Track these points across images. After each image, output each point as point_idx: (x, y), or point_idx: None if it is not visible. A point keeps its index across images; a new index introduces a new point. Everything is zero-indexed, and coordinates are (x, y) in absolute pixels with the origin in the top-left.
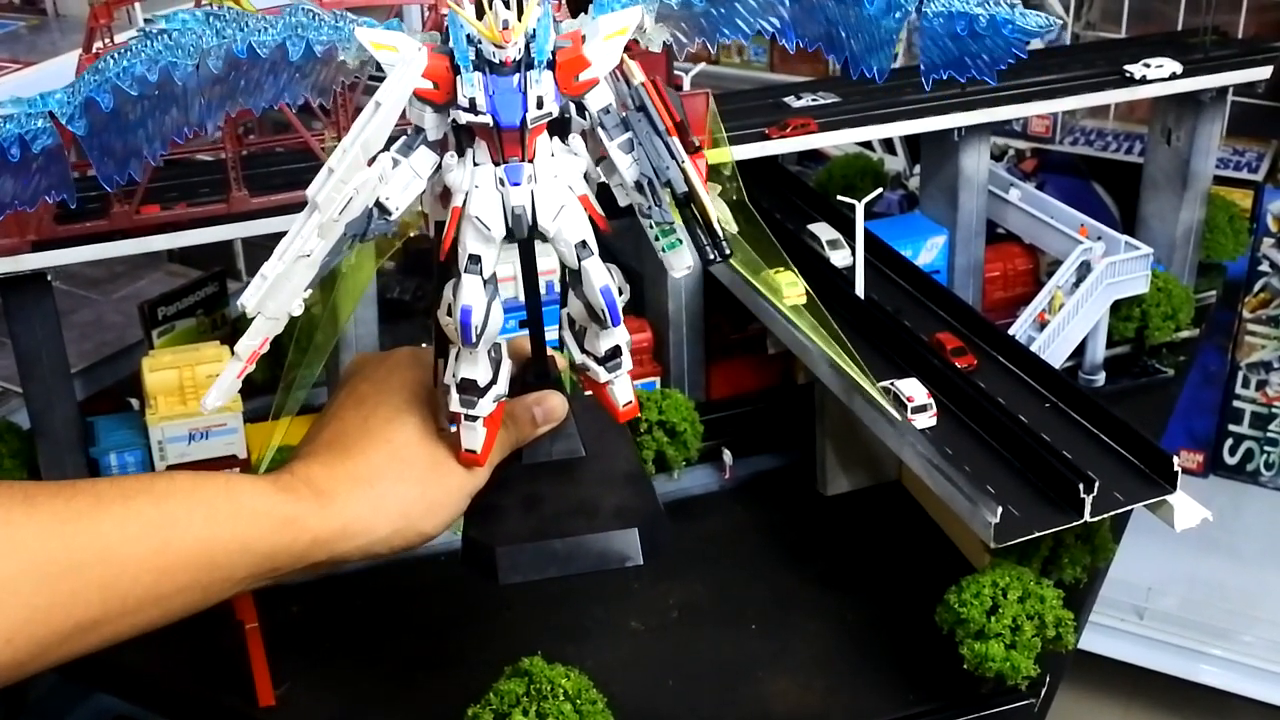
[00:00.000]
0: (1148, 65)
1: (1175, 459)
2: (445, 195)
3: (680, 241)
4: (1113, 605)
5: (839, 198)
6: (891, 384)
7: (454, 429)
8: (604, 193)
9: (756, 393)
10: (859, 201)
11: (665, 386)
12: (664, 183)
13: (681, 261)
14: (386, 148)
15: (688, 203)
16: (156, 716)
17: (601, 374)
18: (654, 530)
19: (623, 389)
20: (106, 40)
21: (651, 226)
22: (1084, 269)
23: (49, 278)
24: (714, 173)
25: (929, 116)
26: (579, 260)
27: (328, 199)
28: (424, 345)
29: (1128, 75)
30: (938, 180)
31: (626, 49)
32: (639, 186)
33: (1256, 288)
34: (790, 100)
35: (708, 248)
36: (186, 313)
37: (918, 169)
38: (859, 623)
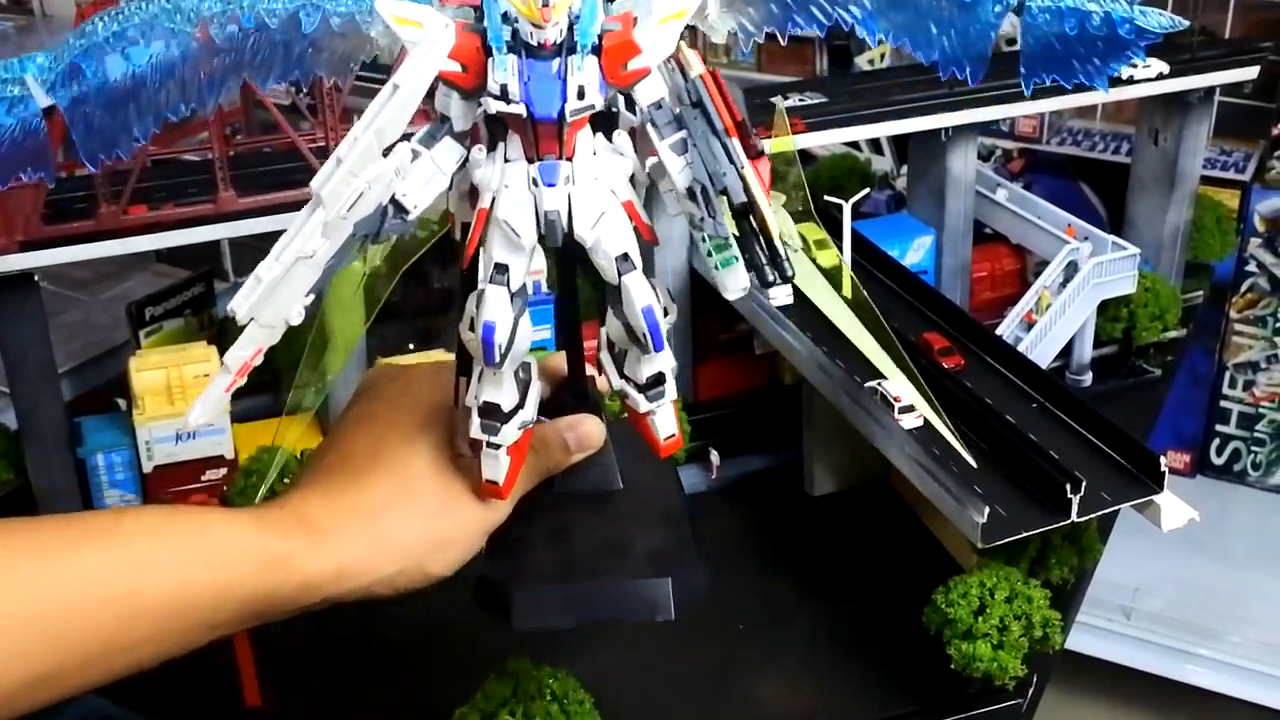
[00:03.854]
0: (1135, 65)
1: (1162, 459)
2: (473, 194)
3: (736, 258)
4: (1100, 605)
5: (826, 198)
6: (879, 384)
7: (470, 440)
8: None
9: (744, 393)
10: (846, 201)
11: None
12: (720, 190)
13: (737, 282)
14: (407, 136)
15: (746, 214)
16: (143, 717)
17: (642, 403)
18: (689, 579)
19: (665, 420)
20: None
21: (704, 240)
22: (1071, 269)
23: (36, 278)
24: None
25: (916, 116)
26: (619, 275)
27: (334, 193)
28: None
29: (1115, 75)
30: (925, 180)
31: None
32: (691, 194)
33: (1244, 288)
34: (777, 100)
35: (766, 268)
36: (174, 313)
37: (905, 169)
38: (846, 623)
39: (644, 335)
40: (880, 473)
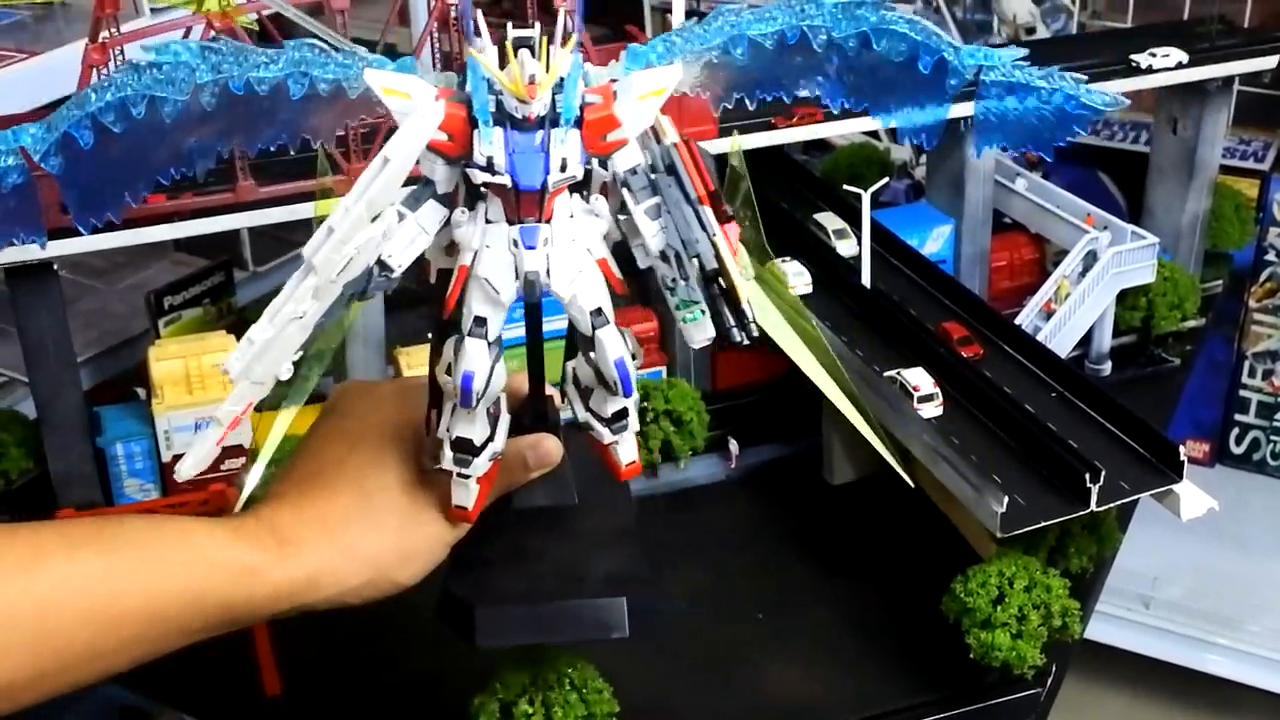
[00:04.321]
0: (1154, 54)
1: (1181, 448)
2: (452, 246)
3: (702, 313)
4: (1119, 595)
5: (845, 187)
6: (898, 373)
7: (437, 468)
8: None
9: (763, 382)
10: (865, 191)
11: (671, 376)
12: (692, 255)
13: (702, 334)
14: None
15: (715, 278)
16: (162, 706)
17: (606, 435)
18: (644, 598)
19: (627, 449)
20: (112, 30)
21: (673, 295)
22: (1090, 258)
23: (55, 267)
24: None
25: None
26: (594, 328)
27: (326, 260)
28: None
29: (1134, 64)
30: (944, 170)
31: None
32: (664, 256)
33: (1263, 277)
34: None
35: (733, 328)
36: (193, 302)
37: (924, 158)
38: (864, 612)
39: (615, 383)
40: (899, 462)
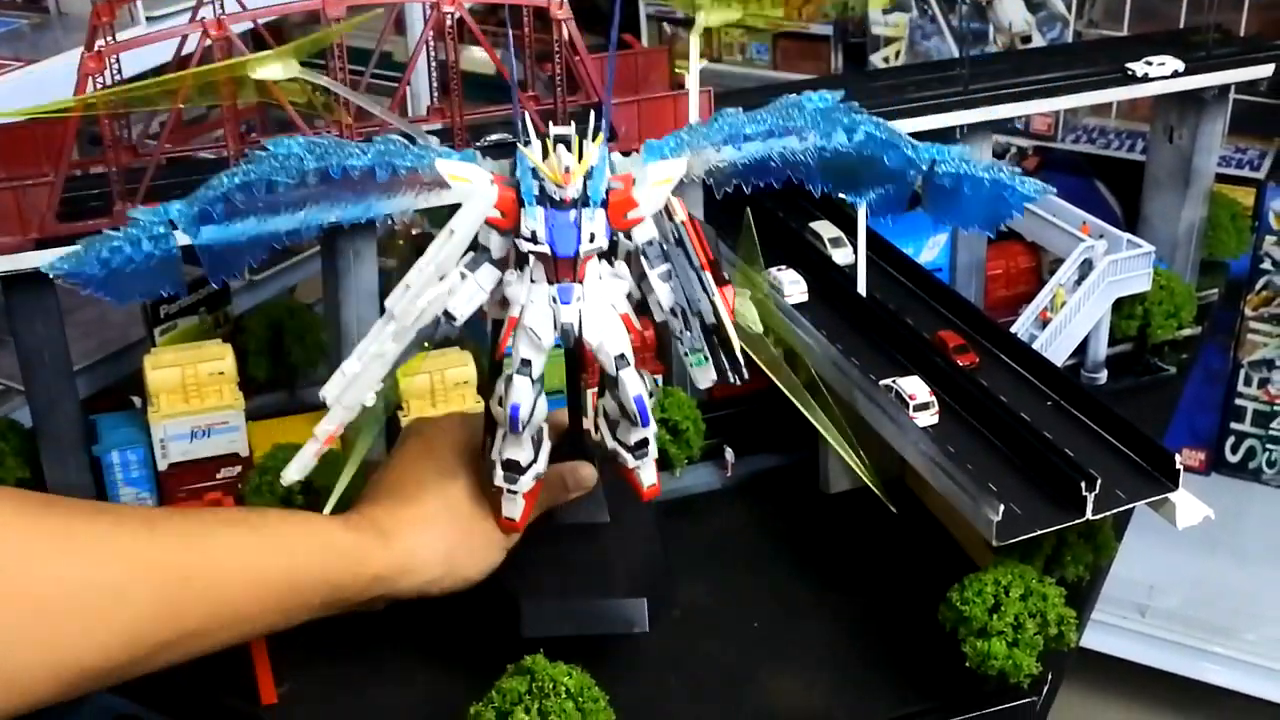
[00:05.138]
0: (1150, 63)
1: (1177, 457)
2: (504, 301)
3: (706, 359)
4: (1115, 603)
5: (841, 194)
6: (893, 382)
7: (495, 487)
8: None
9: (759, 390)
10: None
11: (668, 384)
12: (695, 312)
13: (706, 376)
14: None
15: (714, 330)
16: (157, 715)
17: (630, 460)
18: (662, 597)
19: (648, 473)
20: (108, 39)
21: (682, 344)
22: (1086, 267)
23: (52, 276)
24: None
25: (930, 114)
26: (617, 370)
27: (404, 311)
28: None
29: (1130, 73)
30: None
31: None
32: (673, 311)
33: (1259, 286)
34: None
35: (728, 371)
36: (189, 311)
37: None
38: (861, 621)
39: (634, 415)
40: (896, 471)
